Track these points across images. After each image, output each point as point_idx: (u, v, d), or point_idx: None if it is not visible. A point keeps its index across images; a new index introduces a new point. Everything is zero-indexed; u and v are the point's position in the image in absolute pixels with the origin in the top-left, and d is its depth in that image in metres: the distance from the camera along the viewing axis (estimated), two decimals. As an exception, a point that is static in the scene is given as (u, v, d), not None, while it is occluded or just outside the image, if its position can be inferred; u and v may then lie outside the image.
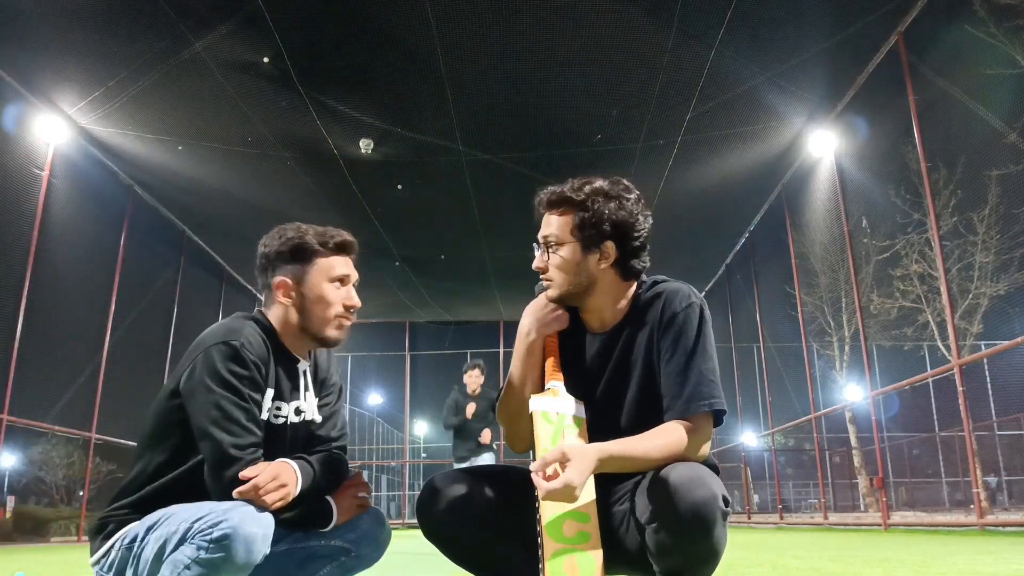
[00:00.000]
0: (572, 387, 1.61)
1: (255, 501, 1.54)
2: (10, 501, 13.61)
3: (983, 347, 10.33)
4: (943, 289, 8.17)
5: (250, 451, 1.60)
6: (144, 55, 8.07)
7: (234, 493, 1.54)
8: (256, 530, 1.47)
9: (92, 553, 1.69)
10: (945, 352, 10.43)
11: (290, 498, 1.62)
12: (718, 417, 1.54)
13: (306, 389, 1.82)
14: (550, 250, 1.62)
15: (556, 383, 1.59)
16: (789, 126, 10.18)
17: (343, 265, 1.77)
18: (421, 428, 28.69)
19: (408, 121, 9.50)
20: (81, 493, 13.50)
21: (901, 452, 20.36)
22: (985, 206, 9.24)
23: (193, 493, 1.60)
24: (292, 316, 1.75)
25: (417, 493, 1.69)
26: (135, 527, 1.62)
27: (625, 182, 1.65)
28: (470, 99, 8.97)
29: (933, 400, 17.85)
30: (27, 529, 12.15)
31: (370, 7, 7.60)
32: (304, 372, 1.81)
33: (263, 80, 8.59)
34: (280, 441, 1.76)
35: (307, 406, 1.82)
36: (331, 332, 1.76)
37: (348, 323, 1.78)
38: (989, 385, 14.48)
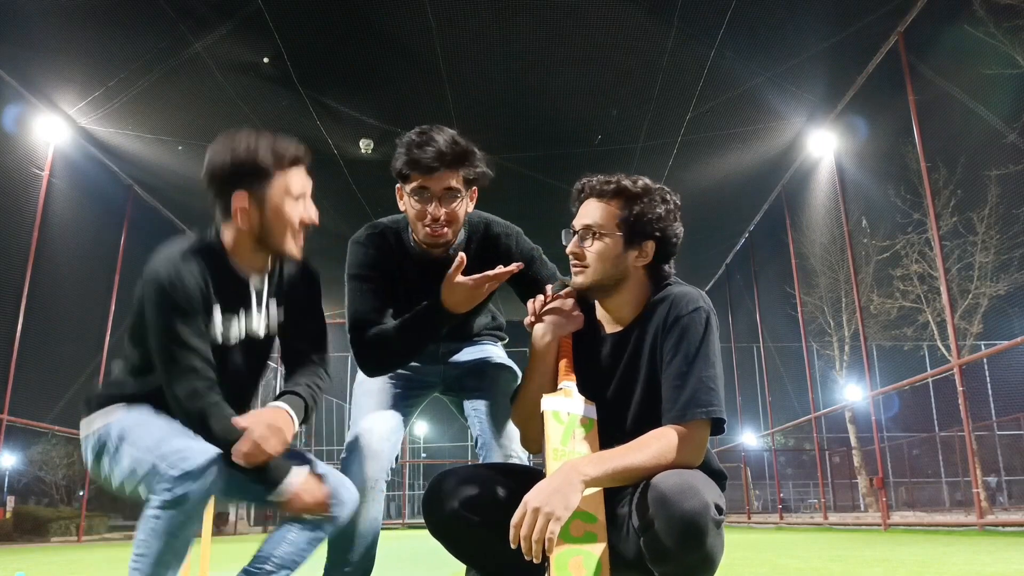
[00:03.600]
0: (584, 386, 1.61)
1: (255, 453, 1.60)
2: (10, 501, 13.62)
3: (983, 347, 10.33)
4: (943, 289, 8.17)
5: (206, 383, 1.67)
6: (144, 55, 8.07)
7: (235, 451, 1.60)
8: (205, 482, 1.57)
9: (81, 427, 1.81)
10: (945, 352, 10.43)
11: (290, 439, 1.70)
12: (717, 425, 1.52)
13: (259, 305, 1.84)
14: (593, 237, 1.60)
15: (568, 383, 1.58)
16: (789, 126, 10.18)
17: (299, 180, 1.76)
18: (421, 428, 28.68)
19: (408, 121, 9.38)
20: (81, 493, 13.50)
21: (901, 452, 20.36)
22: (985, 206, 9.24)
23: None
24: (249, 233, 1.75)
25: (417, 493, 1.68)
26: (112, 425, 1.72)
27: (668, 188, 1.65)
28: (470, 99, 8.97)
29: (933, 400, 17.85)
30: (27, 529, 12.16)
31: (370, 7, 7.61)
32: (255, 289, 1.83)
33: (263, 80, 8.59)
34: (234, 360, 1.82)
35: (259, 322, 1.84)
36: (291, 247, 1.77)
37: (302, 236, 1.81)
38: (989, 385, 14.50)
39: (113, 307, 10.98)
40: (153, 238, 13.16)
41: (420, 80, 8.71)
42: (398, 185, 2.01)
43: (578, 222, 1.63)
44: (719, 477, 1.57)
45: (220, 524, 16.46)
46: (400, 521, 19.93)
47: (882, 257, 11.05)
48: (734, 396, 15.33)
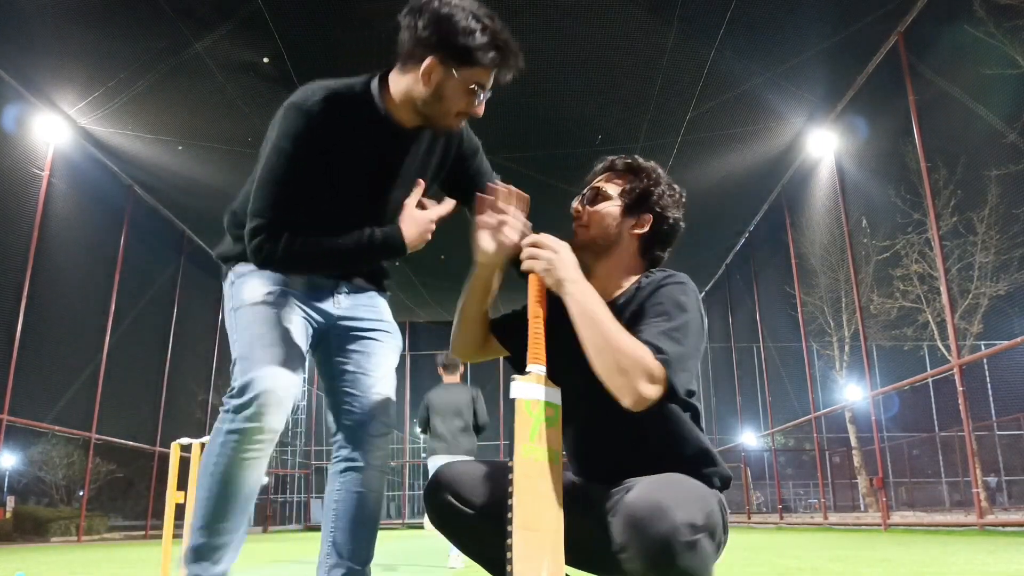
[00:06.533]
0: (563, 361, 1.56)
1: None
2: (10, 501, 13.61)
3: (983, 347, 10.33)
4: (943, 289, 8.17)
5: None
6: (144, 55, 8.08)
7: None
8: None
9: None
10: (945, 352, 10.43)
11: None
12: (672, 392, 1.45)
13: None
14: (597, 199, 1.71)
15: (538, 368, 1.51)
16: (789, 126, 10.18)
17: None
18: (421, 428, 28.67)
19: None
20: (81, 493, 13.51)
21: (901, 452, 20.35)
22: (985, 206, 9.24)
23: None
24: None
25: (416, 493, 1.70)
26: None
27: (675, 182, 1.78)
28: (470, 99, 8.97)
29: (933, 400, 17.85)
30: (27, 529, 12.16)
31: (370, 7, 7.60)
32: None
33: (263, 80, 8.59)
34: None
35: None
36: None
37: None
38: (989, 385, 14.49)
39: (113, 307, 10.98)
40: (153, 238, 13.27)
41: (420, 80, 8.72)
42: (433, 59, 1.64)
43: (587, 188, 1.75)
44: (708, 463, 1.56)
45: (220, 524, 16.41)
46: (400, 521, 19.94)
47: (882, 257, 11.05)
48: (734, 396, 15.32)
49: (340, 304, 1.92)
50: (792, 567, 3.96)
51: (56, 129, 9.41)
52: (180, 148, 10.08)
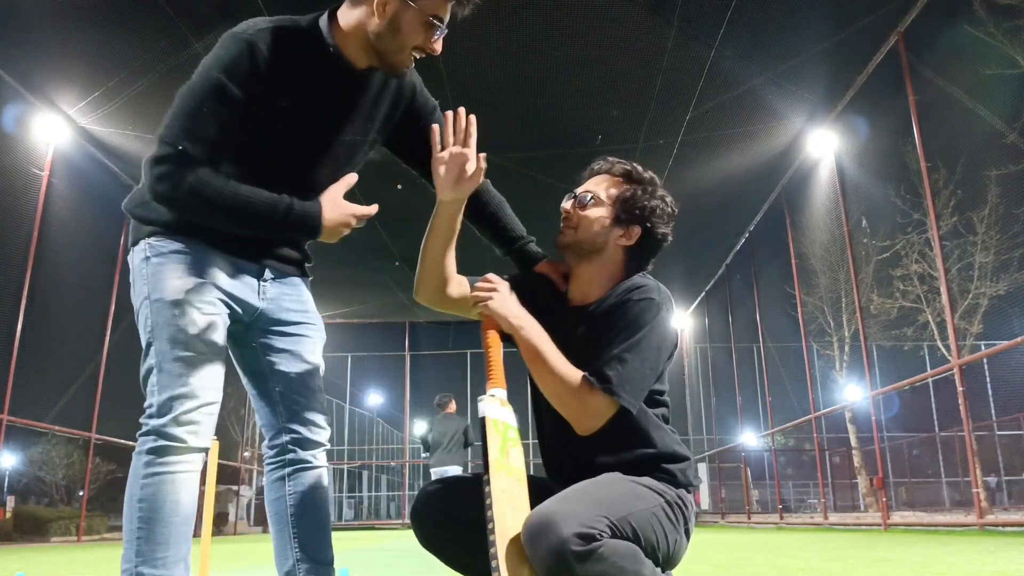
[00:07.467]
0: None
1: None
2: (10, 501, 13.62)
3: (983, 347, 10.33)
4: (943, 289, 8.17)
5: None
6: (144, 55, 8.07)
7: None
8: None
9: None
10: (945, 352, 10.43)
11: None
12: (623, 411, 1.52)
13: None
14: (588, 203, 1.69)
15: (500, 391, 1.55)
16: (789, 126, 10.18)
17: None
18: (421, 428, 28.67)
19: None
20: (81, 493, 13.52)
21: (901, 452, 20.36)
22: (985, 206, 9.25)
23: None
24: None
25: (417, 493, 1.71)
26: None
27: (670, 196, 1.76)
28: (470, 98, 8.96)
29: (933, 400, 17.85)
30: (27, 529, 12.17)
31: (370, 7, 7.61)
32: None
33: (263, 80, 8.61)
34: None
35: None
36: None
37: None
38: (989, 385, 14.49)
39: (113, 307, 10.98)
40: (153, 238, 13.15)
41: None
42: None
43: (580, 188, 1.74)
44: (672, 459, 1.59)
45: (220, 524, 16.46)
46: (400, 521, 19.94)
47: (882, 257, 11.06)
48: (734, 396, 15.32)
49: (266, 294, 1.77)
50: (792, 567, 3.96)
51: (56, 129, 9.41)
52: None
